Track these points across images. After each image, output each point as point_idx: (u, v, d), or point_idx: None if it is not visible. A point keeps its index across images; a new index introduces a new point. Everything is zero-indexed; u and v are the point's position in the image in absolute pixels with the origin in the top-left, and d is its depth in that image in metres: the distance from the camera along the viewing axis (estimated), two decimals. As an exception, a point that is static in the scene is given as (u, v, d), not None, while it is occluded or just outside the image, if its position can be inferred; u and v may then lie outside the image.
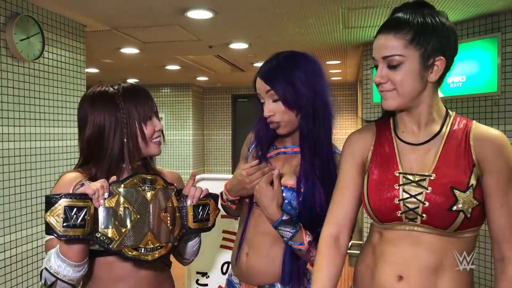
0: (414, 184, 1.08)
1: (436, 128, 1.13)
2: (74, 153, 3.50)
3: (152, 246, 1.15)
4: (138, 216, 1.14)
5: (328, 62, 5.65)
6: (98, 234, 1.10)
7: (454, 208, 1.03)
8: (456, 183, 1.04)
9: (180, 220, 1.24)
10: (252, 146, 1.46)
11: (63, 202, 1.04)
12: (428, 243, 1.07)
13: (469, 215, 1.04)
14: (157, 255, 1.16)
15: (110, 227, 1.10)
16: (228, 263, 2.20)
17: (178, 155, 7.99)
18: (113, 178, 1.16)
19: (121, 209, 1.13)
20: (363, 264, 1.21)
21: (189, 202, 1.26)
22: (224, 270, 2.19)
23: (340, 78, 7.24)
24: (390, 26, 1.08)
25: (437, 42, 1.06)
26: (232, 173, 1.47)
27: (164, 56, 5.28)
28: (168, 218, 1.20)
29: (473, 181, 1.06)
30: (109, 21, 3.63)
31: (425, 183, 1.07)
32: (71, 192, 1.11)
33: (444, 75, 1.12)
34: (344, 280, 4.15)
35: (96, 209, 1.10)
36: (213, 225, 1.33)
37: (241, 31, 4.03)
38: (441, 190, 1.05)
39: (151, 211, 1.16)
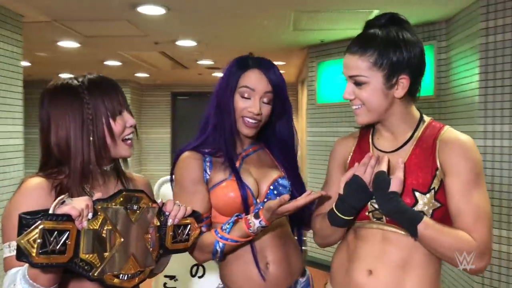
0: None
1: (407, 135, 1.19)
2: (11, 153, 3.25)
3: (133, 271, 1.05)
4: (122, 240, 1.03)
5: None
6: (77, 260, 0.96)
7: (414, 209, 1.10)
8: (417, 185, 1.11)
9: (159, 241, 1.14)
10: (208, 164, 1.34)
11: (41, 225, 0.87)
12: (396, 241, 1.14)
13: (429, 216, 1.10)
14: (136, 280, 1.07)
15: (91, 252, 0.98)
16: (197, 265, 2.16)
17: (115, 154, 7.69)
18: (98, 195, 1.03)
19: (105, 231, 1.00)
20: (338, 260, 1.28)
21: (170, 222, 1.15)
22: (193, 273, 2.16)
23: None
24: (356, 46, 1.14)
25: (400, 62, 1.11)
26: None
27: (105, 51, 5.06)
28: (149, 240, 1.10)
29: (435, 184, 1.12)
30: (51, 12, 3.40)
31: None
32: (50, 210, 0.91)
33: (415, 87, 1.18)
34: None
35: (78, 231, 0.95)
36: (191, 246, 1.22)
37: (191, 29, 3.98)
38: (405, 191, 1.12)
39: (135, 233, 1.06)
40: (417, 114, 1.22)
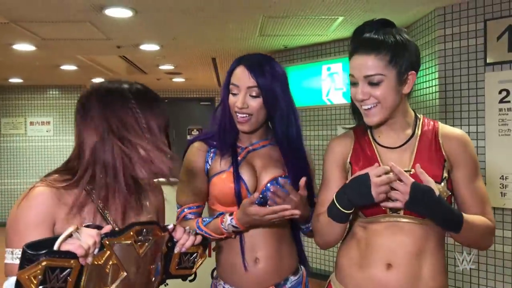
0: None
1: (409, 131, 1.28)
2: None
3: None
4: (125, 274, 0.99)
5: (234, 68, 5.76)
6: None
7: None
8: (432, 176, 1.17)
9: (164, 268, 1.13)
10: (211, 155, 1.43)
11: (44, 262, 0.85)
12: (410, 231, 1.20)
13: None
14: None
15: (93, 287, 0.94)
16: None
17: (69, 162, 7.38)
18: (107, 228, 0.97)
19: (109, 266, 0.97)
20: (346, 257, 1.29)
21: (177, 249, 1.12)
22: (214, 275, 2.11)
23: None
24: (369, 47, 1.19)
25: (409, 59, 1.21)
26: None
27: (62, 54, 4.86)
28: (153, 270, 1.08)
29: (445, 174, 1.23)
30: (8, 13, 3.24)
31: None
32: (56, 245, 0.87)
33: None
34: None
35: (81, 266, 0.92)
36: (194, 272, 1.20)
37: (157, 33, 3.92)
38: (420, 182, 1.17)
39: (140, 266, 1.03)
40: (412, 111, 1.31)
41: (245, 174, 1.38)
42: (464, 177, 1.24)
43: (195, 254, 1.17)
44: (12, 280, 0.91)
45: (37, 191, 1.04)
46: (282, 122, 1.40)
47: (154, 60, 5.16)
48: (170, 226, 1.11)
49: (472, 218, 1.20)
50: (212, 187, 1.40)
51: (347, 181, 1.19)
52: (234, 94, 1.38)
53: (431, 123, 1.30)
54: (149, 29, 3.77)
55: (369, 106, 1.21)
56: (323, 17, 3.40)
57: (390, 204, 1.14)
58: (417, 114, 1.32)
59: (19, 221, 1.01)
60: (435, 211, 1.14)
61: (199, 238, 1.15)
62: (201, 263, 1.19)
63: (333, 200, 1.19)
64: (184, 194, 1.44)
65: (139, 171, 1.07)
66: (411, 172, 1.20)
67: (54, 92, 7.38)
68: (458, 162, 1.24)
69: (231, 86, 1.39)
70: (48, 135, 7.38)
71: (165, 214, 1.30)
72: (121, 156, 1.04)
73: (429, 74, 3.39)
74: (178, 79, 6.82)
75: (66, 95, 7.39)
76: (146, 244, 1.03)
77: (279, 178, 1.38)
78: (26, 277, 0.84)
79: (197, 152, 1.42)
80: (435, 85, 3.29)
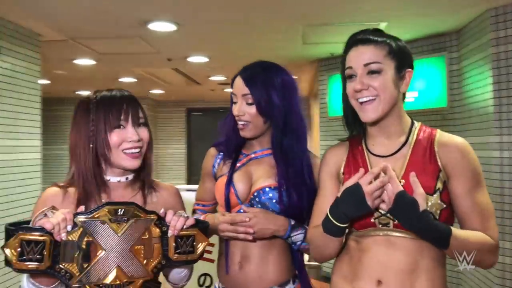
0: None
1: (403, 139, 1.21)
2: (27, 167, 3.32)
3: (119, 282, 1.09)
4: (103, 251, 1.08)
5: (284, 77, 5.78)
6: (57, 268, 1.05)
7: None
8: (424, 188, 1.09)
9: (160, 251, 1.16)
10: (218, 160, 1.50)
11: (19, 236, 1.00)
12: (402, 246, 1.12)
13: (437, 217, 1.10)
14: None
15: (71, 261, 1.06)
16: (205, 275, 2.18)
17: (131, 169, 7.78)
18: (81, 208, 1.10)
19: (84, 243, 1.07)
20: (339, 274, 1.24)
21: (170, 233, 1.15)
22: (201, 282, 2.17)
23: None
24: (368, 39, 1.18)
25: (405, 57, 1.19)
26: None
27: (120, 68, 5.18)
28: (142, 252, 1.12)
29: (439, 185, 1.13)
30: (67, 31, 3.52)
31: None
32: (31, 223, 1.04)
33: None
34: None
35: (57, 242, 1.04)
36: (201, 256, 1.21)
37: (202, 45, 4.05)
38: (410, 188, 1.10)
39: (120, 245, 1.10)
40: (408, 118, 1.25)
41: (239, 181, 1.40)
42: (462, 189, 1.13)
43: (191, 237, 1.17)
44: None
45: (46, 191, 1.23)
46: (277, 130, 1.38)
47: (204, 71, 5.32)
48: (161, 211, 1.16)
49: (465, 235, 1.10)
50: (215, 189, 1.47)
51: (339, 194, 1.14)
52: (234, 103, 1.42)
53: (428, 130, 1.22)
54: (194, 42, 3.91)
55: (367, 99, 1.16)
56: (366, 23, 3.32)
57: (383, 206, 1.10)
58: (414, 121, 1.25)
59: (33, 214, 1.13)
60: (415, 224, 1.07)
61: (190, 220, 1.17)
62: (203, 247, 1.19)
63: (327, 214, 1.15)
64: (198, 192, 1.58)
65: (109, 171, 1.23)
66: (401, 184, 1.13)
67: (118, 103, 7.84)
68: (455, 173, 1.14)
69: (232, 95, 1.44)
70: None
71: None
72: (88, 160, 1.19)
73: (482, 79, 3.18)
74: (229, 90, 6.95)
75: (128, 106, 7.82)
76: (125, 224, 1.10)
77: (266, 189, 1.36)
78: (8, 249, 0.99)
79: (208, 156, 1.54)
80: (489, 91, 3.07)
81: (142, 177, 1.29)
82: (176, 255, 1.16)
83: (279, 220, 1.34)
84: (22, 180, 3.25)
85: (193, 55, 4.43)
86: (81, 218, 1.07)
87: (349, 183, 1.11)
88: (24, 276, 1.07)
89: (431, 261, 1.13)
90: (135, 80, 6.02)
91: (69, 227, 1.05)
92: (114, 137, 1.19)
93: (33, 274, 1.05)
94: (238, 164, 1.44)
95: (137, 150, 1.21)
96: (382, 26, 3.37)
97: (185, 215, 1.18)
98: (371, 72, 1.15)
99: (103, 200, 1.19)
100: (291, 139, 1.39)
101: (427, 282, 1.12)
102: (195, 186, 1.85)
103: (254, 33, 3.62)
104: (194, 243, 1.18)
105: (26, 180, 3.30)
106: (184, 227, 1.16)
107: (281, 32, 3.60)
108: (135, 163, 1.21)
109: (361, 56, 1.17)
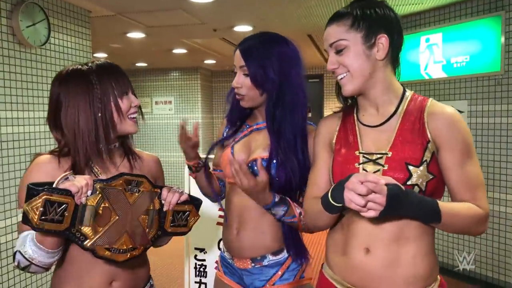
0: (371, 163, 1.15)
1: (392, 108, 1.20)
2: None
3: (125, 247, 1.15)
4: (117, 217, 1.14)
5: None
6: (73, 230, 1.09)
7: (409, 182, 1.10)
8: (410, 159, 1.10)
9: (158, 222, 1.24)
10: (226, 131, 1.58)
11: (43, 196, 1.01)
12: (390, 216, 1.12)
13: (423, 189, 1.10)
14: (128, 256, 1.17)
15: (87, 225, 1.10)
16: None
17: (188, 138, 8.08)
18: (101, 176, 1.15)
19: (101, 208, 1.12)
20: (332, 240, 1.27)
21: (165, 207, 1.23)
22: (220, 246, 2.29)
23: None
24: (332, 18, 1.20)
25: (376, 22, 1.15)
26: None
27: (170, 40, 5.32)
28: (146, 221, 1.20)
29: (427, 156, 1.12)
30: (113, 6, 3.67)
31: (381, 161, 1.14)
32: (54, 184, 1.06)
33: (395, 54, 1.20)
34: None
35: (76, 205, 1.08)
36: (189, 230, 1.31)
37: (243, 14, 4.05)
38: (397, 166, 1.11)
39: (131, 213, 1.16)
40: (400, 87, 1.22)
41: (239, 151, 1.45)
42: (452, 160, 1.12)
43: (187, 213, 1.28)
44: (23, 233, 1.13)
45: (38, 158, 1.22)
46: (270, 102, 1.39)
47: (252, 40, 5.31)
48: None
49: (454, 207, 1.09)
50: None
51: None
52: (235, 74, 1.44)
53: (420, 99, 1.19)
54: (236, 11, 3.92)
55: (341, 76, 1.18)
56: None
57: (363, 214, 1.01)
58: (406, 90, 1.22)
59: (25, 184, 1.13)
60: (407, 210, 1.05)
61: (184, 196, 1.25)
62: (195, 221, 1.31)
63: (328, 190, 1.15)
64: (214, 158, 1.68)
65: (108, 134, 1.23)
66: (388, 155, 1.13)
67: (174, 74, 8.11)
68: (444, 143, 1.12)
69: (233, 67, 1.46)
70: (170, 113, 8.17)
71: (164, 182, 1.44)
72: (91, 132, 1.20)
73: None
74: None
75: (184, 76, 8.07)
76: (137, 194, 1.18)
77: (258, 160, 1.39)
78: (30, 208, 1.01)
79: (221, 126, 1.62)
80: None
81: (125, 144, 1.33)
82: (171, 227, 1.26)
83: (261, 194, 1.32)
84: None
85: (237, 25, 4.44)
86: (101, 184, 1.13)
87: (360, 175, 1.03)
88: (28, 239, 1.10)
89: (417, 229, 1.14)
90: (186, 51, 6.17)
91: (89, 192, 1.10)
92: (124, 103, 1.24)
93: (41, 235, 1.08)
94: (240, 135, 1.49)
95: (136, 115, 1.29)
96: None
97: (180, 191, 1.25)
98: (338, 51, 1.16)
99: (96, 170, 1.23)
100: (284, 111, 1.38)
101: (412, 250, 1.13)
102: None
103: (294, 0, 3.55)
104: (188, 218, 1.28)
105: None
106: (179, 202, 1.24)
107: (322, -2, 3.50)
108: (136, 128, 1.29)
109: (327, 38, 1.20)
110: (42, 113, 3.12)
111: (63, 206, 1.05)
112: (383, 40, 1.15)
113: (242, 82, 1.40)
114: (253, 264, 1.44)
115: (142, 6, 3.65)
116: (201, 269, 2.30)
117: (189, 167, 1.59)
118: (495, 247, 3.52)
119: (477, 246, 3.63)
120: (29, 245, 1.09)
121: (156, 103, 8.21)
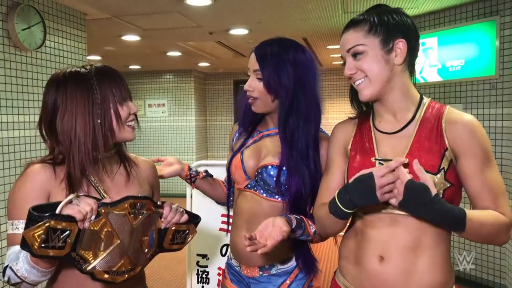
0: None
1: (410, 115, 1.19)
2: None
3: (124, 269, 1.11)
4: (118, 241, 1.09)
5: (328, 47, 5.65)
6: (73, 254, 1.03)
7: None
8: (427, 167, 1.09)
9: (157, 241, 1.21)
10: (237, 135, 1.55)
11: (47, 223, 0.95)
12: (405, 224, 1.12)
13: (440, 196, 1.08)
14: (126, 276, 1.12)
15: (88, 249, 1.05)
16: (227, 245, 2.27)
17: (181, 141, 8.06)
18: (105, 200, 1.09)
19: (104, 233, 1.06)
20: (345, 247, 1.27)
21: (163, 225, 1.20)
22: (223, 252, 2.27)
23: (341, 62, 7.23)
24: (348, 25, 1.20)
25: (393, 27, 1.15)
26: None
27: (165, 42, 5.30)
28: (147, 242, 1.16)
29: (444, 164, 1.11)
30: (109, 9, 3.65)
31: None
32: (58, 209, 0.98)
33: (413, 60, 1.20)
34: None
35: (79, 229, 1.02)
36: (184, 245, 1.30)
37: (240, 17, 4.05)
38: (414, 173, 1.08)
39: (133, 236, 1.11)
40: (417, 93, 1.22)
41: (248, 157, 1.43)
42: (473, 167, 1.11)
43: (187, 231, 1.26)
44: (15, 248, 1.08)
45: (32, 167, 1.14)
46: (283, 109, 1.37)
47: (247, 43, 5.31)
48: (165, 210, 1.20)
49: (480, 215, 1.07)
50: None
51: (350, 180, 1.11)
52: (248, 77, 1.43)
53: (437, 106, 1.18)
54: (233, 14, 3.91)
55: (359, 81, 1.18)
56: (408, -12, 3.16)
57: (392, 201, 1.06)
58: (423, 97, 1.22)
59: (17, 195, 1.10)
60: (428, 211, 1.03)
61: (185, 217, 1.22)
62: (191, 239, 1.30)
63: (334, 197, 1.15)
64: (227, 163, 1.57)
65: (106, 142, 1.18)
66: (405, 162, 1.11)
67: (168, 77, 8.08)
68: (464, 151, 1.11)
69: (247, 70, 1.45)
70: (164, 116, 8.13)
71: (159, 188, 1.42)
72: (89, 138, 1.14)
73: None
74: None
75: (178, 78, 8.04)
76: (140, 217, 1.12)
77: (269, 166, 1.38)
78: (31, 235, 0.94)
79: (232, 131, 1.61)
80: (541, 58, 2.84)
81: (121, 151, 1.29)
82: (169, 245, 1.24)
83: (280, 229, 1.23)
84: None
85: (233, 28, 4.44)
86: (105, 209, 1.06)
87: (363, 171, 1.07)
88: (21, 256, 1.04)
89: (434, 238, 1.13)
90: (181, 54, 6.15)
91: (93, 217, 1.04)
92: (124, 110, 1.19)
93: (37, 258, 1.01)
94: (250, 141, 1.47)
95: (134, 123, 1.24)
96: (424, -9, 3.19)
97: (181, 210, 1.22)
98: (355, 55, 1.16)
99: (92, 179, 1.18)
100: (298, 119, 1.36)
101: (428, 258, 1.13)
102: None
103: (293, 4, 3.55)
104: (187, 236, 1.27)
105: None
106: (180, 222, 1.21)
107: (319, 2, 3.51)
108: (133, 135, 1.24)
109: (344, 44, 1.19)
110: (37, 117, 3.07)
111: (66, 233, 0.99)
112: (401, 45, 1.14)
113: (255, 86, 1.38)
114: (261, 273, 1.43)
115: (138, 9, 3.63)
116: (203, 275, 2.28)
117: (186, 181, 1.64)
118: (490, 249, 3.55)
119: (473, 249, 3.65)
120: (22, 263, 1.03)
121: (150, 105, 8.17)
